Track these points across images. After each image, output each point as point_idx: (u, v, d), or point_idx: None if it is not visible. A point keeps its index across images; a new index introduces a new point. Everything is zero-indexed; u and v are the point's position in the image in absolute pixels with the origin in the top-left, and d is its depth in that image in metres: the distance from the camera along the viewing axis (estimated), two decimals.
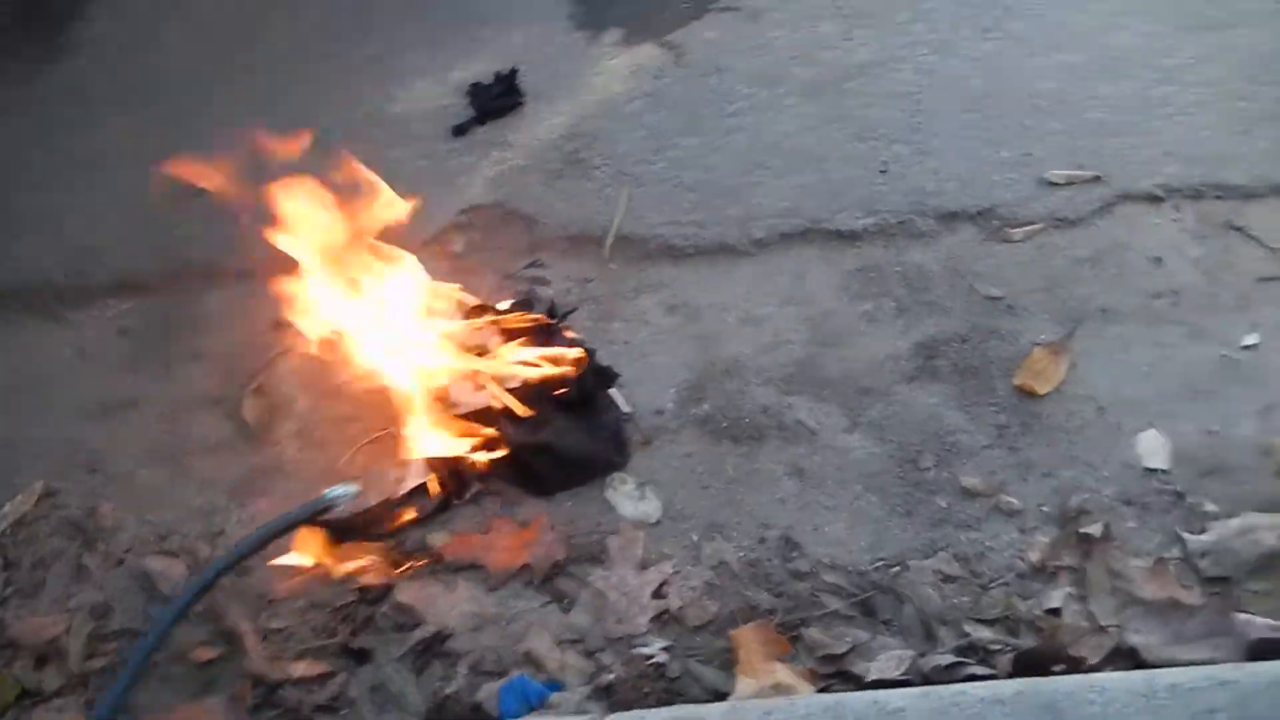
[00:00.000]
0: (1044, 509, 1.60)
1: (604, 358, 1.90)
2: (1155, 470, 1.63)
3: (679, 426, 1.80)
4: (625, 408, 1.84)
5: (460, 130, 2.44)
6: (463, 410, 1.79)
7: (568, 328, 1.94)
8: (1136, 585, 1.48)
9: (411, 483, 1.77)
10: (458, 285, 1.92)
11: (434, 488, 1.75)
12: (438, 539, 1.71)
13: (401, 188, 2.29)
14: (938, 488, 1.66)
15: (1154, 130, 2.19)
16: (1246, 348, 1.78)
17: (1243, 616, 1.41)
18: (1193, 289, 1.89)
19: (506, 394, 1.77)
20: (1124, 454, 1.66)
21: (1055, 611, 1.47)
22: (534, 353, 1.82)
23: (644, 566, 1.62)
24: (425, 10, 2.81)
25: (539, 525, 1.70)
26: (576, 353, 1.79)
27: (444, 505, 1.75)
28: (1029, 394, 1.75)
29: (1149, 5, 2.47)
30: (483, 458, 1.75)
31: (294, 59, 2.74)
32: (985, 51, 2.42)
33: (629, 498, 1.72)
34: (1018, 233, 2.02)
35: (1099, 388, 1.75)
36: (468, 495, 1.76)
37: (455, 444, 1.75)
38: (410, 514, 1.74)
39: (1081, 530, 1.53)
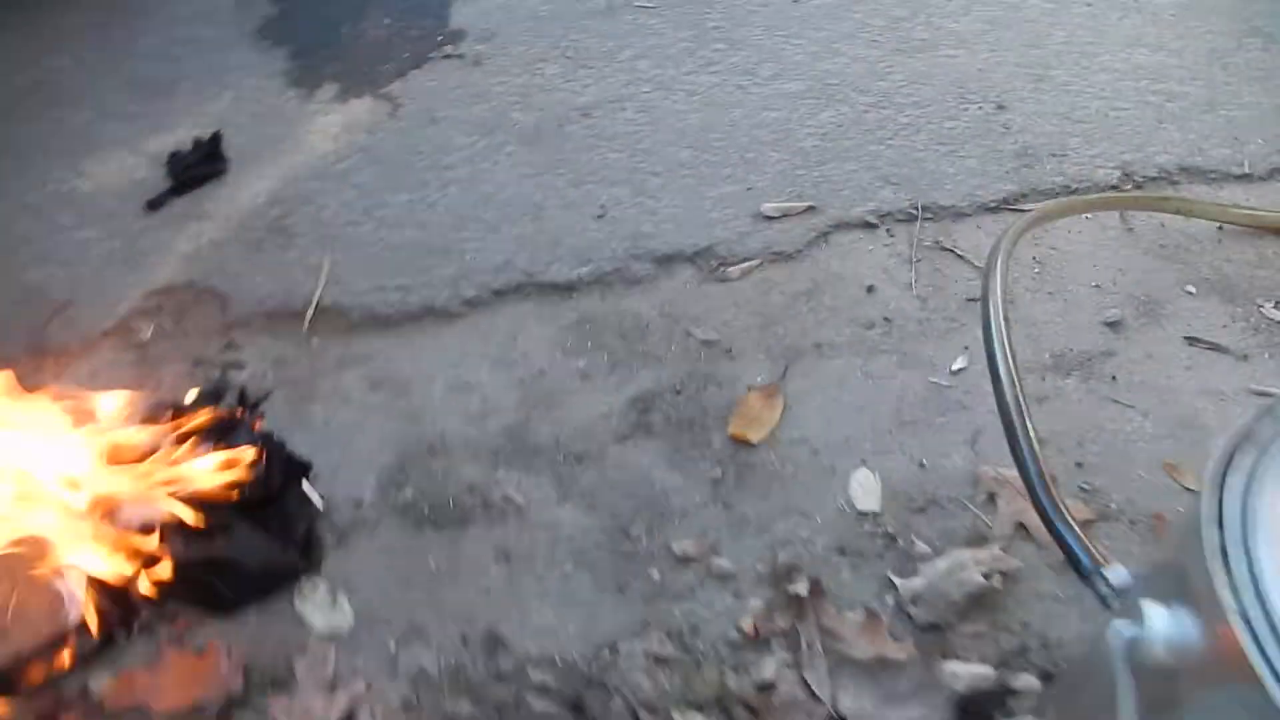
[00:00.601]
0: (758, 568, 1.48)
1: (299, 446, 1.69)
2: (867, 513, 1.53)
3: (378, 518, 1.60)
4: (318, 502, 1.62)
5: (154, 204, 2.18)
6: (126, 526, 1.54)
7: (257, 417, 1.72)
8: (849, 643, 1.36)
9: (68, 618, 1.50)
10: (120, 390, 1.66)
11: (93, 622, 1.49)
12: (99, 682, 1.45)
13: (88, 271, 2.05)
14: (650, 557, 1.51)
15: (868, 155, 2.14)
16: (955, 372, 1.71)
17: (949, 667, 1.31)
18: (904, 315, 1.82)
19: (174, 503, 1.53)
20: (837, 498, 1.56)
21: (769, 686, 1.34)
22: (207, 455, 1.59)
23: (333, 688, 1.41)
24: (125, 75, 2.53)
25: (215, 653, 1.46)
26: (250, 452, 1.57)
27: (107, 640, 1.49)
28: (743, 442, 1.63)
29: (862, 30, 2.44)
30: (150, 580, 1.50)
31: None
32: (706, 85, 2.33)
33: (320, 607, 1.51)
34: (735, 271, 1.91)
35: (812, 429, 1.65)
36: (136, 625, 1.51)
37: (116, 567, 1.50)
38: (66, 657, 1.47)
39: (791, 589, 1.41)
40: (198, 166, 2.27)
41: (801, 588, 1.40)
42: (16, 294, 2.02)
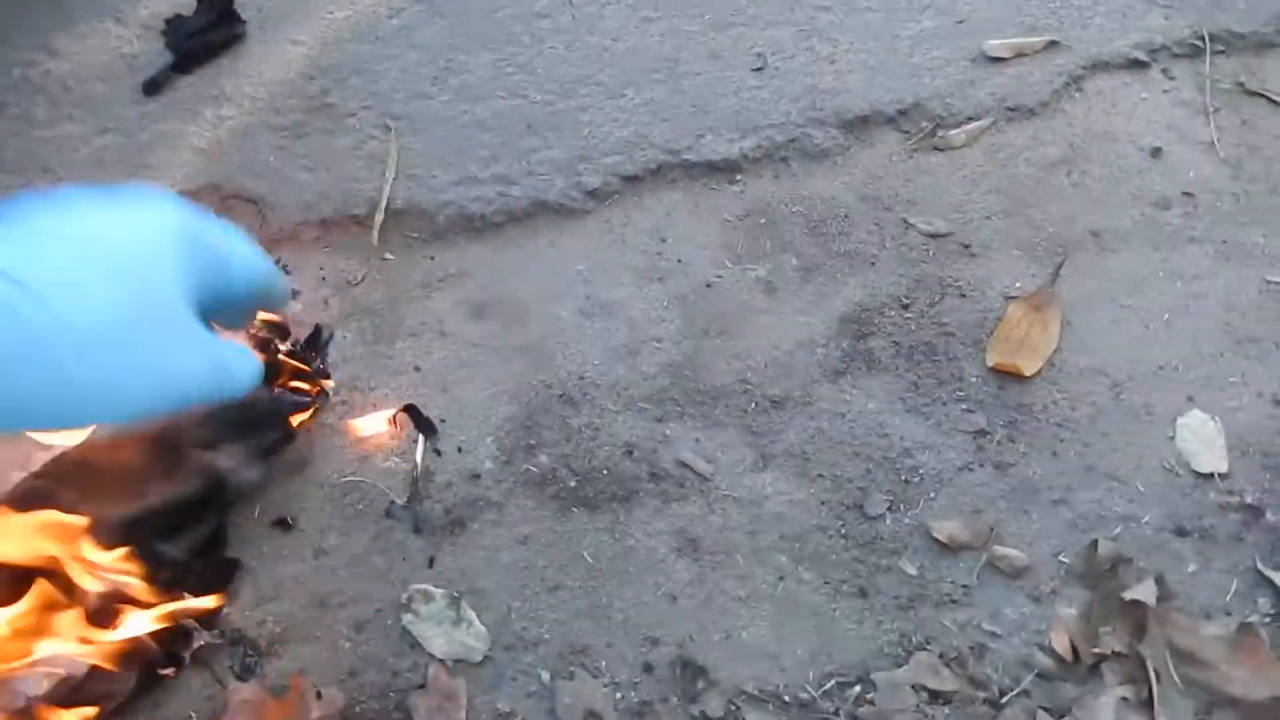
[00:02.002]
0: (1062, 559, 1.16)
1: (383, 398, 1.39)
2: (1209, 475, 1.20)
3: (505, 495, 1.30)
4: (418, 462, 1.33)
5: (154, 86, 1.85)
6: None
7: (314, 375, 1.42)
8: (1218, 672, 1.05)
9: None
10: None
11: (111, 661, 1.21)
12: None
13: (75, 179, 1.74)
14: (900, 544, 1.20)
15: None
16: None
17: None
18: (1211, 188, 1.46)
19: None
20: (1161, 452, 1.23)
21: None
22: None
23: None
24: None
25: (300, 694, 1.18)
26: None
27: (146, 681, 1.22)
28: (1011, 375, 1.30)
29: None
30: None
31: None
32: None
33: (440, 623, 1.22)
34: (958, 134, 1.56)
35: (1107, 354, 1.32)
36: (188, 656, 1.23)
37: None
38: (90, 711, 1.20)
39: (1125, 595, 1.09)
40: (206, 32, 1.93)
41: (1143, 592, 1.08)
42: None
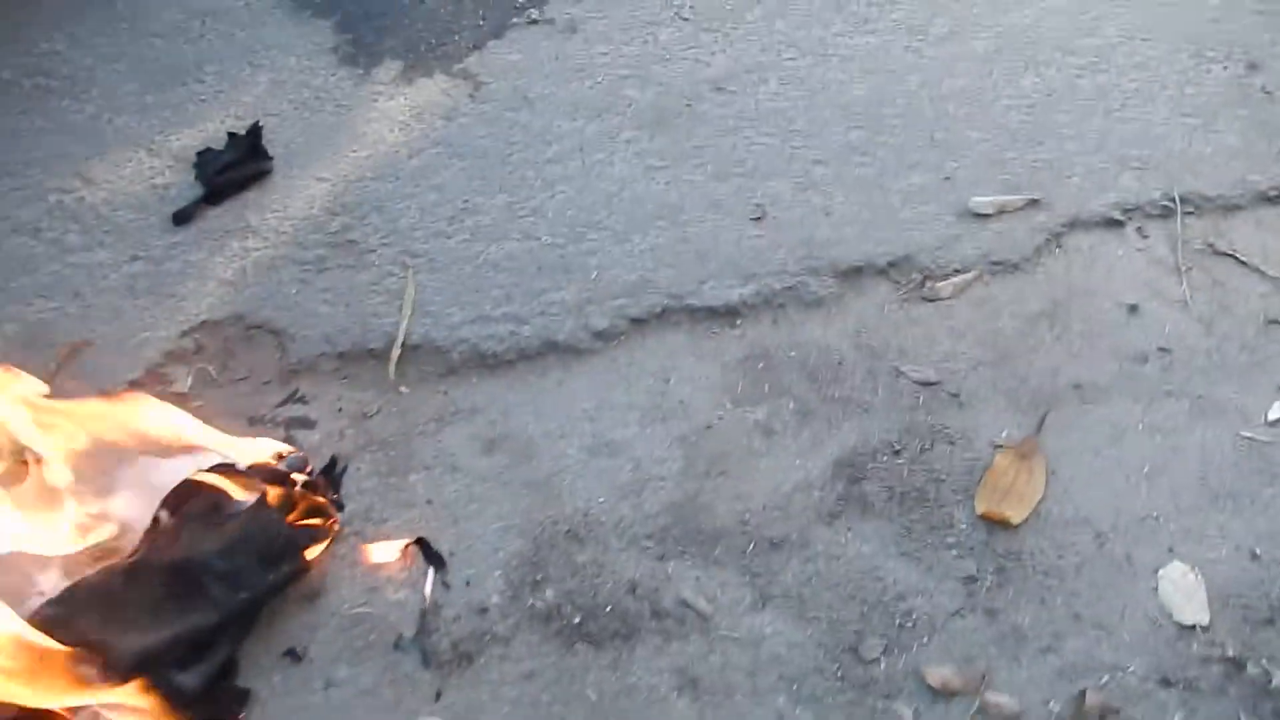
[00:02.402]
0: (1052, 707, 1.18)
1: (395, 529, 1.42)
2: (1192, 626, 1.23)
3: (512, 629, 1.32)
4: (427, 595, 1.35)
5: (183, 217, 1.92)
6: None
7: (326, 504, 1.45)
8: None
9: None
10: None
11: None
12: None
13: (104, 305, 1.79)
14: (894, 688, 1.22)
15: (1093, 131, 1.84)
16: (1275, 422, 1.41)
17: None
18: (1186, 345, 1.52)
19: None
20: (1144, 602, 1.26)
21: None
22: None
23: None
24: (136, 57, 2.27)
25: None
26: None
27: None
28: (999, 524, 1.34)
29: None
30: None
31: None
32: (866, 48, 2.04)
33: None
34: (946, 286, 1.62)
35: (1092, 504, 1.35)
36: None
37: None
38: None
39: None
40: (235, 167, 2.00)
41: None
42: (15, 336, 1.76)
